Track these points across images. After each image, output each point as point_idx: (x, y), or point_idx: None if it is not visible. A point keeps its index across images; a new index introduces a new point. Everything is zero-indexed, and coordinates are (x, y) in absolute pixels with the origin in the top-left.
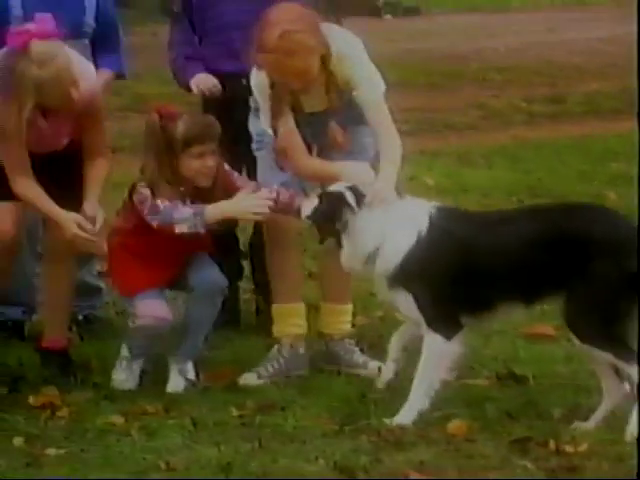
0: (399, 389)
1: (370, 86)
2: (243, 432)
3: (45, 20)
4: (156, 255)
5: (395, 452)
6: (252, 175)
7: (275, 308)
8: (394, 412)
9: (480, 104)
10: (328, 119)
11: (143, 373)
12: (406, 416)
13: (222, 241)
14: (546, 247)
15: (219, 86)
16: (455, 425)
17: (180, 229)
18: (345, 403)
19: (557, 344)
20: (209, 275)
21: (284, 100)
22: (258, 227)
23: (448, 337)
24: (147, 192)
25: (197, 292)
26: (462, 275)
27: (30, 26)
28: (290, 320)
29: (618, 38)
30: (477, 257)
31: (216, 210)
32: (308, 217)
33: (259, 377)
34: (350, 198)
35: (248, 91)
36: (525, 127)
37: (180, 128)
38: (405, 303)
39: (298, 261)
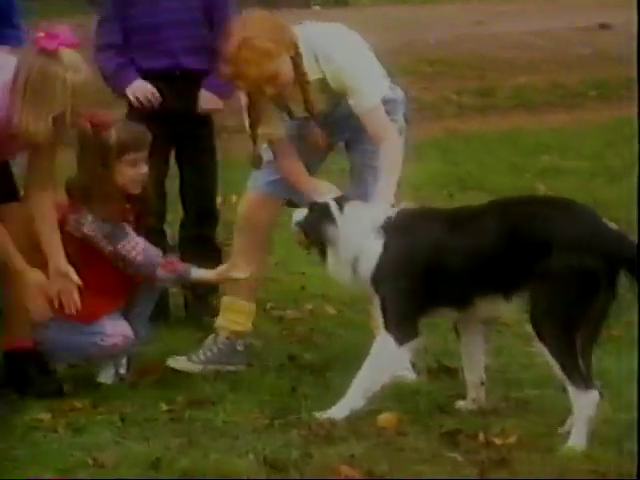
0: (330, 383)
1: (362, 92)
2: (173, 427)
3: (67, 30)
4: (111, 281)
5: (326, 446)
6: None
7: (225, 300)
8: (325, 406)
9: (411, 97)
10: (318, 123)
11: (71, 368)
12: (338, 411)
13: (150, 235)
14: (512, 241)
15: (157, 94)
16: (386, 418)
17: (161, 282)
18: (276, 397)
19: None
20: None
21: (263, 108)
22: (187, 220)
23: (401, 342)
24: (108, 227)
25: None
26: (432, 273)
27: (58, 32)
28: (234, 316)
29: (548, 32)
30: (448, 255)
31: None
32: (298, 224)
33: (189, 360)
34: (334, 210)
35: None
36: (455, 119)
37: (114, 135)
38: (375, 305)
39: (263, 261)
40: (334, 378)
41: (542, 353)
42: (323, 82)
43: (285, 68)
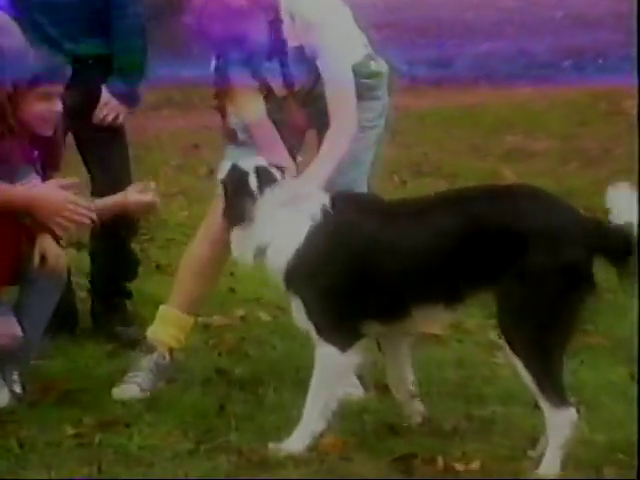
0: (264, 400)
1: (334, 55)
2: (80, 454)
3: None
4: None
5: (259, 474)
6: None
7: (162, 308)
8: (259, 428)
9: None
10: (297, 101)
11: None
12: (298, 441)
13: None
14: (468, 239)
15: None
16: (328, 441)
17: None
18: (200, 418)
19: (446, 346)
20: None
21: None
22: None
23: (343, 349)
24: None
25: (39, 283)
26: (366, 276)
27: None
28: (170, 329)
29: None
30: (382, 254)
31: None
32: (222, 181)
33: (141, 390)
34: (252, 183)
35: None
36: (407, 94)
37: None
38: (295, 309)
39: (218, 270)
40: (268, 395)
41: (511, 364)
42: (301, 51)
43: (257, 32)
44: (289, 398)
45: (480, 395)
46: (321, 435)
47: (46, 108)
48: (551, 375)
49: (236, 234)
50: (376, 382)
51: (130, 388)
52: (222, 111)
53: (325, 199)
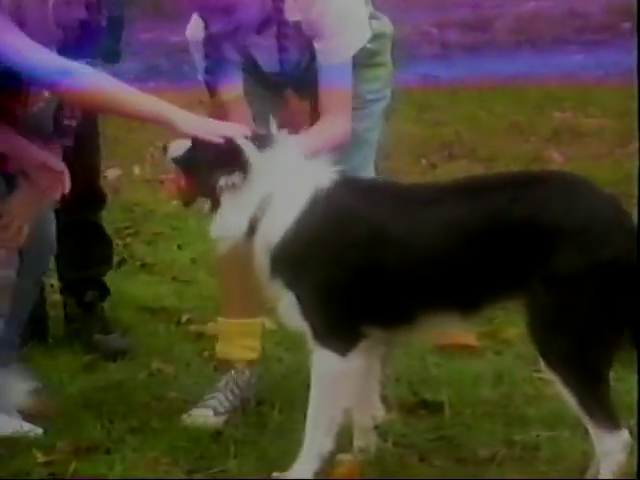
0: (268, 421)
1: (340, 41)
2: None
3: None
4: None
5: None
6: None
7: (221, 323)
8: (262, 455)
9: None
10: (295, 82)
11: None
12: (304, 467)
13: None
14: (487, 236)
15: None
16: (344, 469)
17: None
18: (193, 442)
19: (482, 359)
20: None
21: (225, 52)
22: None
23: (343, 353)
24: None
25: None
26: (368, 272)
27: None
28: (240, 341)
29: None
30: (386, 247)
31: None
32: (176, 161)
33: (216, 414)
34: (248, 150)
35: None
36: (437, 63)
37: None
38: (285, 305)
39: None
40: (273, 416)
41: (553, 381)
42: (298, 27)
43: (250, 2)
44: (297, 420)
45: (522, 416)
46: (335, 462)
47: None
48: (597, 393)
49: (221, 212)
50: (400, 401)
51: (203, 412)
52: (213, 90)
53: (332, 177)
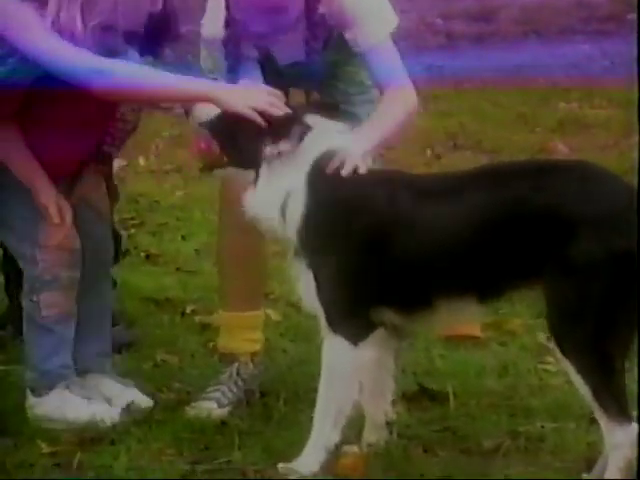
0: (273, 413)
1: (373, 23)
2: (57, 475)
3: None
4: None
5: None
6: None
7: (222, 316)
8: (265, 445)
9: None
10: (306, 72)
11: None
12: (311, 458)
13: None
14: (513, 222)
15: None
16: (349, 461)
17: None
18: (198, 433)
19: (487, 350)
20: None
21: (244, 49)
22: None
23: (355, 341)
24: None
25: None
26: (387, 256)
27: None
28: (241, 334)
29: None
30: (407, 231)
31: None
32: (206, 126)
33: (220, 406)
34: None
35: None
36: (442, 53)
37: None
38: (304, 285)
39: (261, 252)
40: (278, 407)
41: (564, 371)
42: (323, 18)
43: (296, 3)
44: (302, 411)
45: (527, 408)
46: (341, 454)
47: None
48: (611, 384)
49: (260, 186)
50: (405, 392)
51: (206, 405)
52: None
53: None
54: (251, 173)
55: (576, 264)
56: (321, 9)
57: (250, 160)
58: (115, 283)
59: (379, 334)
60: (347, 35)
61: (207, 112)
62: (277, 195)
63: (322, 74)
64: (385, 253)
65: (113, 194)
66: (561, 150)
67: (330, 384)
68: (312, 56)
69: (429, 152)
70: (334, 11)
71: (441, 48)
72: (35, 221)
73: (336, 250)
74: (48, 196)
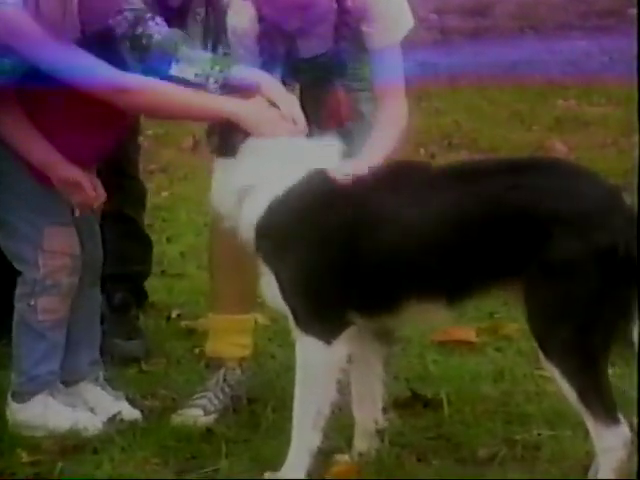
0: (261, 421)
1: (392, 22)
2: None
3: None
4: None
5: None
6: None
7: (212, 319)
8: (253, 454)
9: None
10: (329, 67)
11: None
12: (296, 465)
13: None
14: (487, 222)
15: None
16: (341, 469)
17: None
18: (184, 442)
19: (482, 355)
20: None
21: (276, 45)
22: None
23: (327, 340)
24: None
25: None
26: (350, 255)
27: None
28: (231, 338)
29: None
30: (374, 231)
31: None
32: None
33: (206, 413)
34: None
35: None
36: (437, 50)
37: None
38: (267, 284)
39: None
40: (266, 414)
41: (552, 376)
42: (349, 11)
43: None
44: (290, 418)
45: (523, 415)
46: (332, 463)
47: None
48: (597, 386)
49: (220, 170)
50: (397, 398)
51: (192, 412)
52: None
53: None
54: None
55: (554, 263)
56: (349, 2)
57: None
58: (145, 296)
59: (353, 331)
60: (364, 28)
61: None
62: (243, 182)
63: (346, 67)
64: (350, 252)
65: (139, 191)
66: (559, 149)
67: (306, 386)
68: (338, 49)
69: (423, 151)
70: (358, 4)
71: (435, 44)
72: (39, 225)
73: (297, 249)
74: (74, 171)
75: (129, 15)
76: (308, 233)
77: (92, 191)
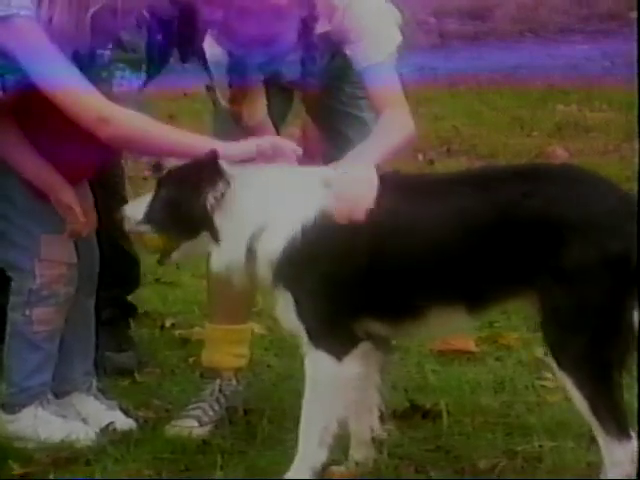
0: (257, 431)
1: (373, 42)
2: None
3: None
4: None
5: None
6: None
7: (209, 328)
8: (249, 465)
9: None
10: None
11: None
12: (297, 477)
13: None
14: (503, 228)
15: None
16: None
17: None
18: (179, 453)
19: (482, 365)
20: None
21: (250, 75)
22: None
23: (339, 356)
24: None
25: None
26: (371, 264)
27: None
28: (227, 348)
29: None
30: (394, 240)
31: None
32: (143, 221)
33: (201, 424)
34: (223, 166)
35: None
36: (435, 54)
37: None
38: (284, 307)
39: None
40: (262, 424)
41: (562, 387)
42: (326, 39)
43: (290, 32)
44: (288, 429)
45: (524, 426)
46: (328, 473)
47: None
48: (610, 398)
49: (220, 238)
50: (395, 409)
51: (186, 423)
52: (238, 117)
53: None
54: (205, 236)
55: (569, 271)
56: (319, 29)
57: (200, 220)
58: (134, 308)
59: (363, 348)
60: (347, 51)
61: (136, 208)
62: (242, 238)
63: (325, 85)
64: (369, 263)
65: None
66: (560, 155)
67: (314, 401)
68: (313, 74)
69: (421, 157)
70: (335, 28)
71: (434, 48)
72: (35, 234)
73: (317, 265)
74: (70, 195)
75: (107, 55)
76: (327, 259)
77: (83, 217)
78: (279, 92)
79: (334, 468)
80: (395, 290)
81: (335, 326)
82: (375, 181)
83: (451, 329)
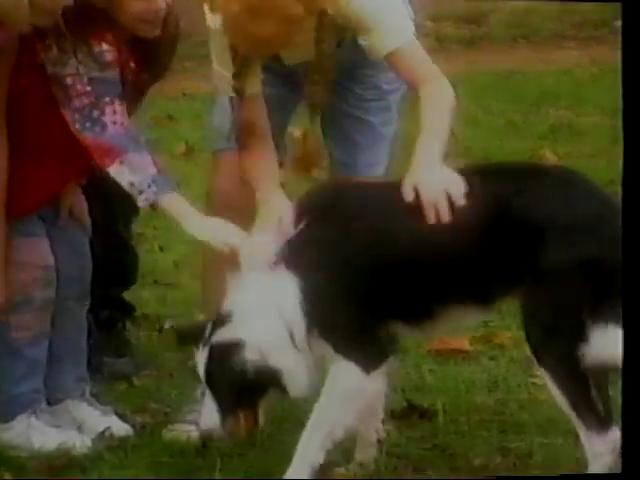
0: (255, 435)
1: (389, 30)
2: None
3: None
4: None
5: None
6: None
7: None
8: (248, 468)
9: None
10: (313, 75)
11: None
12: (294, 475)
13: None
14: (496, 228)
15: None
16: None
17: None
18: (177, 457)
19: (475, 364)
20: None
21: (252, 63)
22: None
23: (367, 370)
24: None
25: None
26: (378, 274)
27: None
28: None
29: None
30: (400, 246)
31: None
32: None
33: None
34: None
35: None
36: (432, 57)
37: None
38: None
39: None
40: (263, 427)
41: (546, 383)
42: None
43: (297, 31)
44: (287, 431)
45: (517, 423)
46: (327, 473)
47: (147, 6)
48: (588, 393)
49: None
50: (393, 409)
51: (185, 427)
52: (240, 92)
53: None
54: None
55: (545, 272)
56: (330, 10)
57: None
58: (132, 308)
59: (390, 364)
60: (360, 41)
61: (210, 418)
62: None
63: (335, 72)
64: (376, 272)
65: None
66: (550, 158)
67: (329, 408)
68: (323, 56)
69: None
70: (345, 15)
71: (431, 51)
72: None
73: (334, 284)
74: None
75: (89, 91)
76: (336, 265)
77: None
78: (283, 92)
79: (335, 469)
80: (410, 291)
81: (367, 339)
82: (456, 176)
83: (466, 323)
